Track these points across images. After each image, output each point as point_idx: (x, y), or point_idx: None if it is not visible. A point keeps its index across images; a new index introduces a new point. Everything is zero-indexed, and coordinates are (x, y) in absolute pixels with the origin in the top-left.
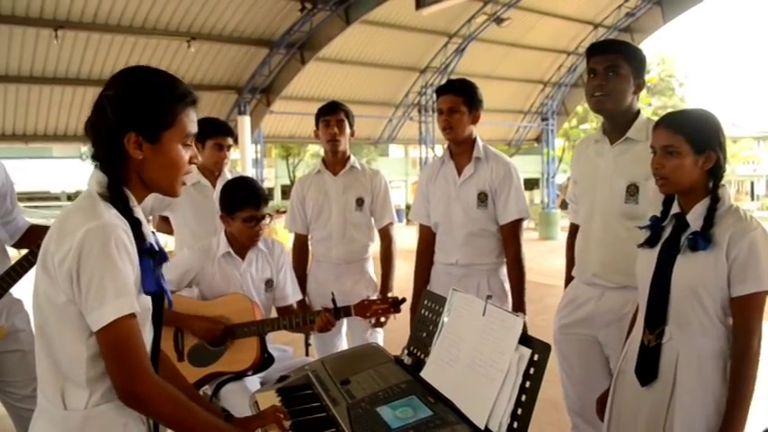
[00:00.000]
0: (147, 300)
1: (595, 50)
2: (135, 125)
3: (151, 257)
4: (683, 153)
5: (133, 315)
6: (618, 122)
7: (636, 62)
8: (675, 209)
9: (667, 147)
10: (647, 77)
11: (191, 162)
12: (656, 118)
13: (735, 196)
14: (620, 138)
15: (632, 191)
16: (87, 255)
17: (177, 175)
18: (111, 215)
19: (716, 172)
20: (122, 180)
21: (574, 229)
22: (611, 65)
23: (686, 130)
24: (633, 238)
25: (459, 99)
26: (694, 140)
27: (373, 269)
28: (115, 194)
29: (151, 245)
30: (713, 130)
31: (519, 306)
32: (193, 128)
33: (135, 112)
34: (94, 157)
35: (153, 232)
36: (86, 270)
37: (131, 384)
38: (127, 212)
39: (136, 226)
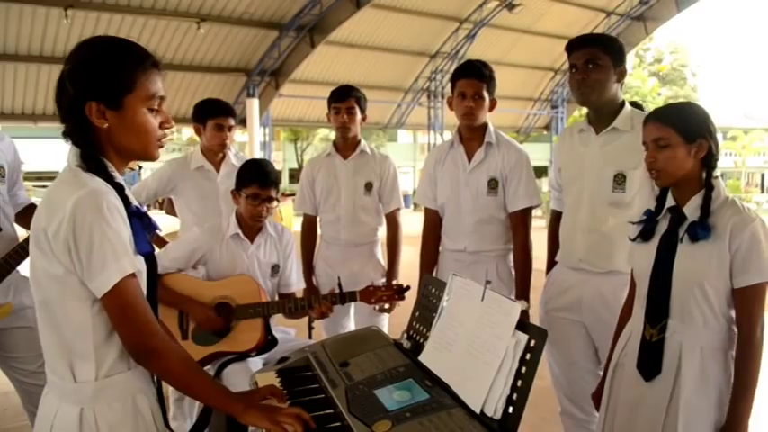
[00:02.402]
0: (142, 261)
1: (573, 46)
2: (93, 94)
3: (139, 219)
4: (674, 144)
5: (134, 275)
6: (603, 112)
7: (614, 52)
8: (670, 202)
9: (658, 140)
10: (660, 66)
11: (162, 126)
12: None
13: (744, 188)
14: (605, 127)
15: (619, 180)
16: (81, 222)
17: (148, 139)
18: (97, 182)
19: (709, 161)
20: (97, 150)
21: (556, 216)
22: (590, 58)
23: (674, 121)
24: (619, 225)
25: (483, 85)
26: (683, 130)
27: (381, 253)
28: (93, 163)
29: (137, 208)
30: (701, 118)
31: (523, 294)
32: (157, 90)
33: (91, 80)
34: (65, 134)
35: (149, 207)
36: (83, 238)
37: (143, 340)
38: (109, 179)
39: (120, 191)
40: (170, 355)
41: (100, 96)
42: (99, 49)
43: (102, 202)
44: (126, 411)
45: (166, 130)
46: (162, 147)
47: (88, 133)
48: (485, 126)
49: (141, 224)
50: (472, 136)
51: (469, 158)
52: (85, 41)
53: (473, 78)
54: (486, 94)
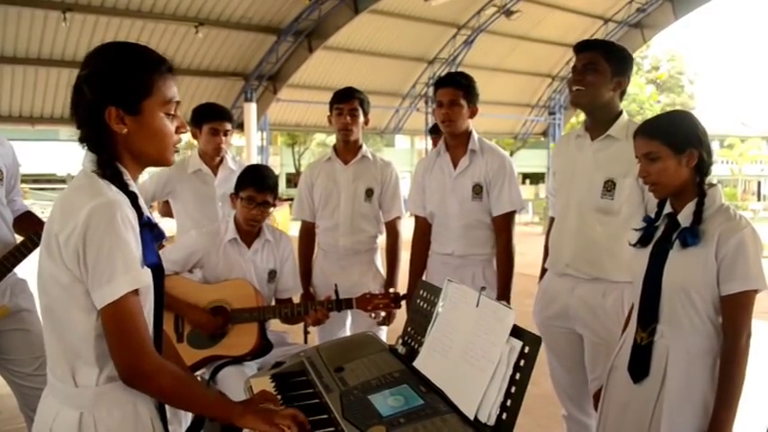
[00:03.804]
0: (149, 274)
1: (578, 48)
2: (113, 99)
3: (150, 230)
4: (664, 156)
5: (137, 292)
6: (598, 119)
7: (616, 61)
8: (668, 209)
9: (648, 154)
10: (657, 74)
11: (178, 131)
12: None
13: (741, 196)
14: (601, 134)
15: (609, 186)
16: (94, 232)
17: (165, 144)
18: (114, 192)
19: (701, 168)
20: (113, 156)
21: (553, 223)
22: (590, 62)
23: (661, 134)
24: (607, 232)
25: (460, 92)
26: (671, 142)
27: (381, 261)
28: (108, 170)
29: (149, 218)
30: (689, 128)
31: (503, 295)
32: (173, 94)
33: (110, 85)
34: (81, 139)
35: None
36: (93, 247)
37: (132, 362)
38: (123, 187)
39: (133, 200)
40: (159, 376)
41: (119, 101)
42: (116, 54)
43: (117, 213)
44: (126, 417)
45: (182, 135)
46: (177, 152)
47: (106, 139)
48: (469, 134)
49: (152, 235)
50: (457, 143)
51: (455, 165)
52: (102, 47)
53: (449, 87)
54: (463, 102)
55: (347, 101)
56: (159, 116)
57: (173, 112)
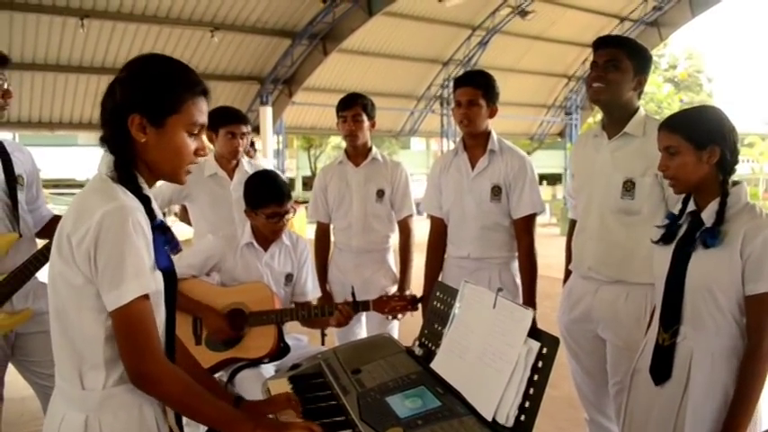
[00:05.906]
0: (160, 279)
1: (598, 44)
2: (140, 107)
3: (162, 234)
4: (684, 151)
5: (147, 297)
6: (616, 117)
7: (638, 59)
8: (692, 207)
9: (668, 148)
10: (676, 73)
11: (197, 154)
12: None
13: (763, 195)
14: (617, 133)
15: (628, 187)
16: (105, 235)
17: (180, 162)
18: (127, 197)
19: (724, 166)
20: (129, 161)
21: (573, 225)
22: (612, 59)
23: (683, 129)
24: (629, 233)
25: (479, 92)
26: (693, 137)
27: (393, 259)
28: (123, 173)
29: (161, 222)
30: (714, 124)
31: (529, 301)
32: (201, 118)
33: (141, 94)
34: (103, 139)
35: (164, 214)
36: (104, 251)
37: (141, 365)
38: (137, 191)
39: (146, 203)
40: (167, 381)
41: (145, 111)
42: (156, 66)
43: (129, 218)
44: (131, 421)
45: (199, 158)
46: (189, 173)
47: (125, 143)
48: (488, 134)
49: (164, 239)
50: (475, 143)
51: (473, 165)
52: (145, 56)
53: (467, 86)
54: (482, 102)
55: (349, 108)
56: (181, 134)
57: (196, 133)
